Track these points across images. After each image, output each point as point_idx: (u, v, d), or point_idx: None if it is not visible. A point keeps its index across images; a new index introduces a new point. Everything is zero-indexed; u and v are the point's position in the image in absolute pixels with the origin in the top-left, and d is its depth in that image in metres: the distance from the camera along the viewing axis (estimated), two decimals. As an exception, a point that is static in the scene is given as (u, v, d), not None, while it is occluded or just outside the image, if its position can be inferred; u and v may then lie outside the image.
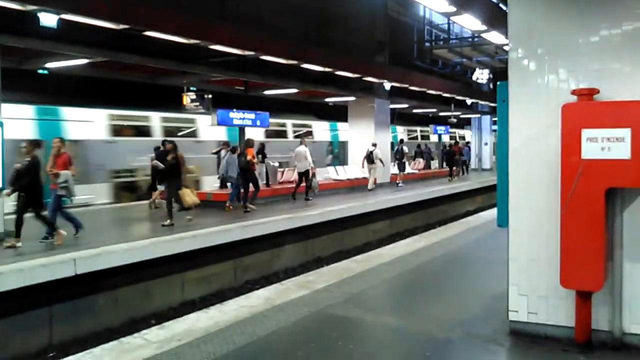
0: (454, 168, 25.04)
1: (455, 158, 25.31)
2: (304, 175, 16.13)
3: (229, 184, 14.68)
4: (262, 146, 17.31)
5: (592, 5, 4.59)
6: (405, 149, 21.42)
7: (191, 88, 17.65)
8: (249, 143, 14.49)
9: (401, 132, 32.46)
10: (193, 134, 20.27)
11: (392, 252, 8.96)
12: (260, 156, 16.71)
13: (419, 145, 31.37)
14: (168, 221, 11.20)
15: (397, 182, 21.23)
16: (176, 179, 11.34)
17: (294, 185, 16.77)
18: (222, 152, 15.61)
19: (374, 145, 19.64)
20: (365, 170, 19.85)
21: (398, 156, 21.27)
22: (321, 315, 5.72)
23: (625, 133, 4.12)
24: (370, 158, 19.31)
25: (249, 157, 13.77)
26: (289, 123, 25.32)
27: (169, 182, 11.57)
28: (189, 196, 11.34)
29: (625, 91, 4.37)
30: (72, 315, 8.41)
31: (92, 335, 8.26)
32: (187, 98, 17.26)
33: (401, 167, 21.49)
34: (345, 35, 17.97)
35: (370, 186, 19.34)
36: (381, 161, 19.60)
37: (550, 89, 4.68)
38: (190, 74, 15.66)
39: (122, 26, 10.10)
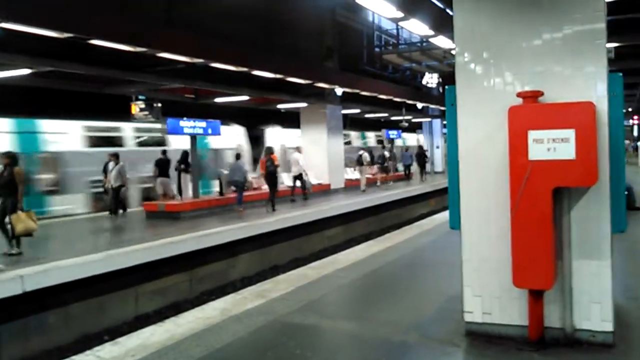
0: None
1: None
2: (298, 177, 17.96)
3: (232, 188, 16.13)
4: (186, 154, 17.14)
5: (534, 10, 4.69)
6: (367, 155, 22.55)
7: (140, 97, 17.38)
8: (271, 150, 16.45)
9: (355, 137, 32.79)
10: (162, 143, 20.09)
11: (348, 258, 8.97)
12: (183, 165, 16.93)
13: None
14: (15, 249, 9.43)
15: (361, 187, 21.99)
16: (10, 199, 9.35)
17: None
18: (110, 165, 15.21)
19: (363, 149, 23.13)
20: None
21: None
22: (278, 323, 5.67)
23: (570, 134, 4.21)
24: (359, 161, 22.09)
25: (276, 163, 15.95)
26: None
27: (3, 202, 9.49)
28: (23, 222, 9.21)
29: (568, 93, 4.47)
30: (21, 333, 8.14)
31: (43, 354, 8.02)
32: (136, 107, 16.98)
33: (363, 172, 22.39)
34: (294, 40, 17.98)
35: (362, 187, 21.81)
36: (369, 164, 22.62)
37: (497, 92, 4.76)
38: (138, 82, 15.40)
39: (65, 35, 9.83)
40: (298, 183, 18.17)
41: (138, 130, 20.34)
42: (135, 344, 5.16)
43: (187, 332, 5.45)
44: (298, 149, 19.30)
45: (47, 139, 17.56)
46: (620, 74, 4.65)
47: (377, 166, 25.19)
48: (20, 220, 9.18)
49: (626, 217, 4.61)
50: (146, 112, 16.93)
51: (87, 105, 18.73)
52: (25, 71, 12.47)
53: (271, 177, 15.61)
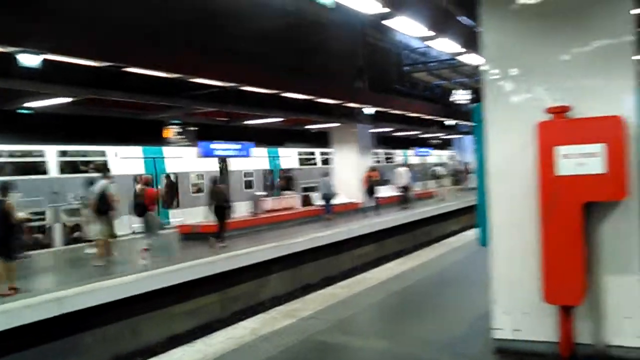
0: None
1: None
2: (404, 189, 22.26)
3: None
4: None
5: (560, 24, 4.70)
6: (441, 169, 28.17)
7: (174, 121, 17.73)
8: (373, 168, 21.35)
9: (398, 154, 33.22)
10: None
11: (377, 276, 8.95)
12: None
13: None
14: None
15: None
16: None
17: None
18: None
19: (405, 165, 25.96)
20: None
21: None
22: (308, 342, 5.68)
23: (599, 148, 4.18)
24: (435, 175, 28.24)
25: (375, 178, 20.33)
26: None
27: None
28: None
29: (597, 107, 4.45)
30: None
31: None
32: (171, 131, 17.32)
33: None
34: (325, 62, 18.15)
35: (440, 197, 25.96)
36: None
37: (525, 108, 4.76)
38: (172, 107, 15.69)
39: (104, 64, 10.13)
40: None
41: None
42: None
43: (219, 351, 5.50)
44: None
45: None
46: (650, 88, 4.61)
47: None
48: None
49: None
50: (181, 136, 17.27)
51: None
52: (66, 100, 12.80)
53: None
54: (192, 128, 17.05)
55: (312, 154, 27.95)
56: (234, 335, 6.08)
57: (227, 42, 13.69)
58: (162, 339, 10.26)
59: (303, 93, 15.65)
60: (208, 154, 16.18)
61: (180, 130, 17.21)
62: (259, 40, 14.88)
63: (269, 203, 19.04)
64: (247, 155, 17.73)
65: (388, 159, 33.13)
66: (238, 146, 16.37)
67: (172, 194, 19.28)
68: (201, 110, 16.79)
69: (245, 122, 20.23)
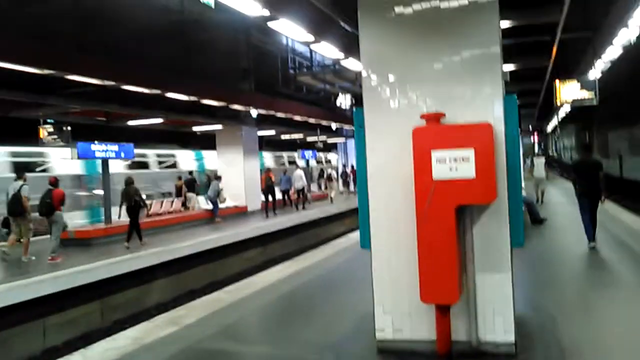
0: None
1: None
2: (301, 191, 23.48)
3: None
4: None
5: (435, 34, 4.90)
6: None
7: (48, 120, 16.77)
8: (269, 169, 22.59)
9: (268, 157, 33.03)
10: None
11: (265, 279, 8.93)
12: None
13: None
14: None
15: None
16: None
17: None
18: None
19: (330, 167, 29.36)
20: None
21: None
22: (192, 350, 5.55)
23: (470, 153, 4.39)
24: (330, 177, 28.99)
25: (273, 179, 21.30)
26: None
27: None
28: None
29: (468, 114, 4.68)
30: None
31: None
32: (44, 131, 16.37)
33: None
34: (209, 63, 17.88)
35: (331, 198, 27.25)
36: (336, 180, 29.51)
37: (402, 114, 4.91)
38: (47, 105, 14.81)
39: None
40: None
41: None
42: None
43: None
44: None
45: None
46: (515, 96, 4.91)
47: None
48: None
49: (524, 232, 4.84)
50: (55, 136, 16.35)
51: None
52: None
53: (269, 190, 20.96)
54: (66, 128, 16.13)
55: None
56: (116, 345, 5.83)
57: (108, 39, 13.11)
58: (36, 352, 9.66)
59: (186, 94, 15.29)
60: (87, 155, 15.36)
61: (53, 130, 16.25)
62: (141, 38, 14.39)
63: (153, 207, 18.52)
64: (128, 157, 17.01)
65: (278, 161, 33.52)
66: (115, 147, 15.68)
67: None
68: (76, 110, 15.99)
69: (128, 123, 19.57)
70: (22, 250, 12.09)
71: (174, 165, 25.64)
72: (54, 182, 12.37)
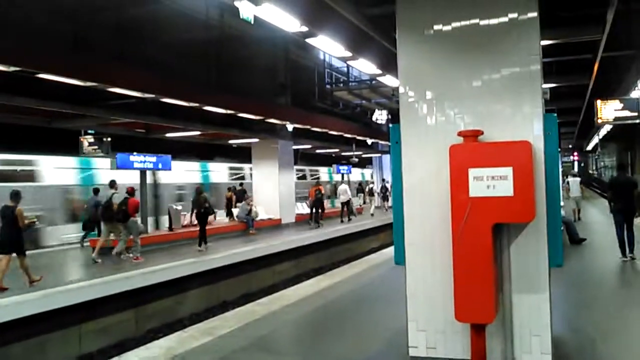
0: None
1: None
2: (346, 204, 23.98)
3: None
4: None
5: (474, 51, 4.90)
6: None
7: (89, 131, 17.13)
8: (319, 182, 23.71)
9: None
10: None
11: (297, 293, 8.94)
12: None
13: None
14: None
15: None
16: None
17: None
18: None
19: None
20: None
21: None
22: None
23: (508, 172, 4.36)
24: (371, 192, 29.35)
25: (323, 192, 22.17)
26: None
27: None
28: None
29: (506, 132, 4.66)
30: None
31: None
32: (85, 141, 16.73)
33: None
34: (247, 77, 18.08)
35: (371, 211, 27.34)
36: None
37: (439, 131, 4.92)
38: (88, 117, 15.16)
39: (12, 68, 9.65)
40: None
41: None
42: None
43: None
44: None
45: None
46: (555, 114, 4.87)
47: None
48: None
49: (563, 251, 4.77)
50: (95, 147, 16.69)
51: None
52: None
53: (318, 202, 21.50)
54: (106, 139, 16.46)
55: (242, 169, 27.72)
56: (148, 355, 5.90)
57: (146, 52, 13.39)
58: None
59: (224, 107, 15.48)
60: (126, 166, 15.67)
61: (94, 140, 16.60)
62: (181, 53, 14.67)
63: (187, 217, 18.69)
64: (165, 168, 17.28)
65: (312, 175, 33.60)
66: (153, 158, 16.03)
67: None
68: (117, 121, 16.32)
69: (167, 135, 19.86)
70: (117, 249, 13.09)
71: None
72: (131, 191, 13.19)
